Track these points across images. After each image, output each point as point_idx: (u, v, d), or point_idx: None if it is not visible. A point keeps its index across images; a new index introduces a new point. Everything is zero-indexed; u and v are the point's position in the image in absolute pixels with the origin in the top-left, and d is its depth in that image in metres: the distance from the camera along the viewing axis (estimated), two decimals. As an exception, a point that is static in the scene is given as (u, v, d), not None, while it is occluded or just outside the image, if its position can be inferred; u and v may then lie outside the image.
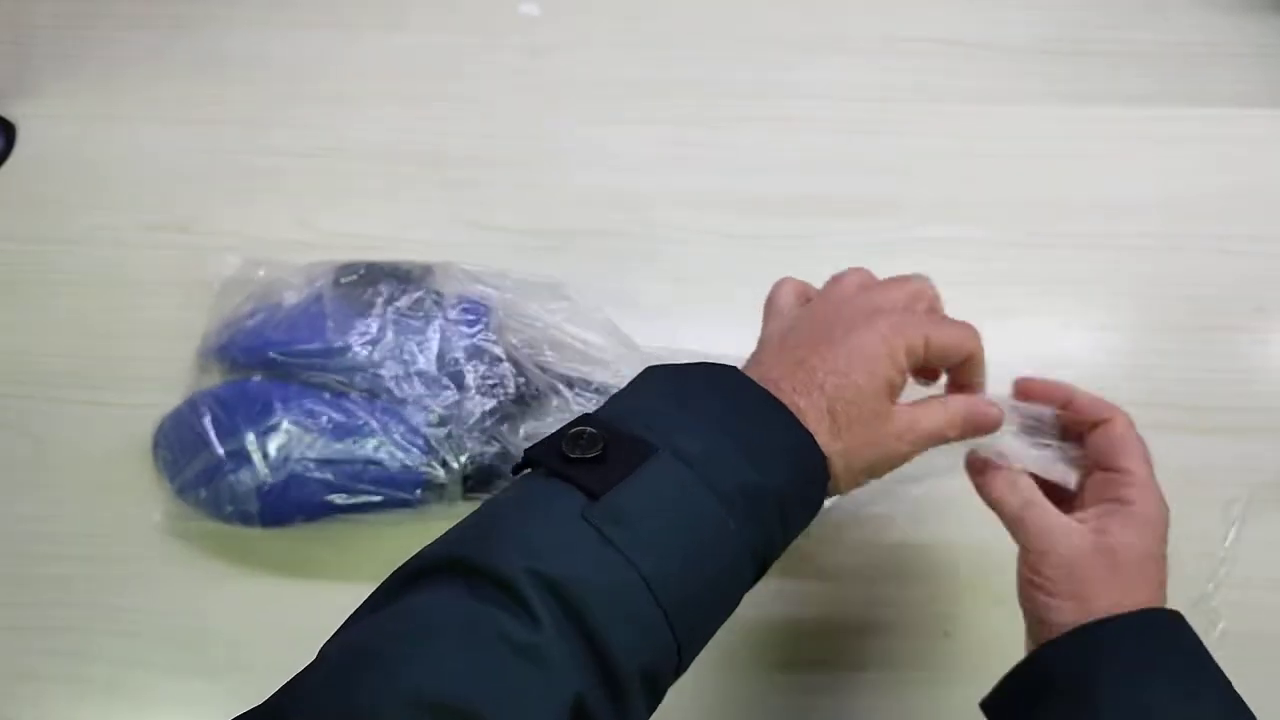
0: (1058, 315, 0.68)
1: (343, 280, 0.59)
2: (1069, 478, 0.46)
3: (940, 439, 0.44)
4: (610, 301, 0.65)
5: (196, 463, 0.55)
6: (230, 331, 0.60)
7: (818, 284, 0.48)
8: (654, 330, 0.66)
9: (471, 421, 0.55)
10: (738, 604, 0.38)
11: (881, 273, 0.68)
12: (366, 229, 0.68)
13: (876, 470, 0.42)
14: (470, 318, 0.58)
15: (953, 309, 0.67)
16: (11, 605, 0.58)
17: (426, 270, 0.60)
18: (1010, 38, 0.75)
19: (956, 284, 0.68)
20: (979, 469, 0.46)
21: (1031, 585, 0.42)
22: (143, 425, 0.63)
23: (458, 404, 0.55)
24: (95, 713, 0.56)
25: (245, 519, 0.54)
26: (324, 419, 0.55)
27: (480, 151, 0.71)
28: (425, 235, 0.68)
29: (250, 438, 0.54)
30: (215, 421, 0.55)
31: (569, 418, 0.39)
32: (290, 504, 0.54)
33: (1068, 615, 0.41)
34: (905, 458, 0.43)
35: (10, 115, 0.72)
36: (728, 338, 0.66)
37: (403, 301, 0.58)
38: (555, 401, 0.56)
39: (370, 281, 0.59)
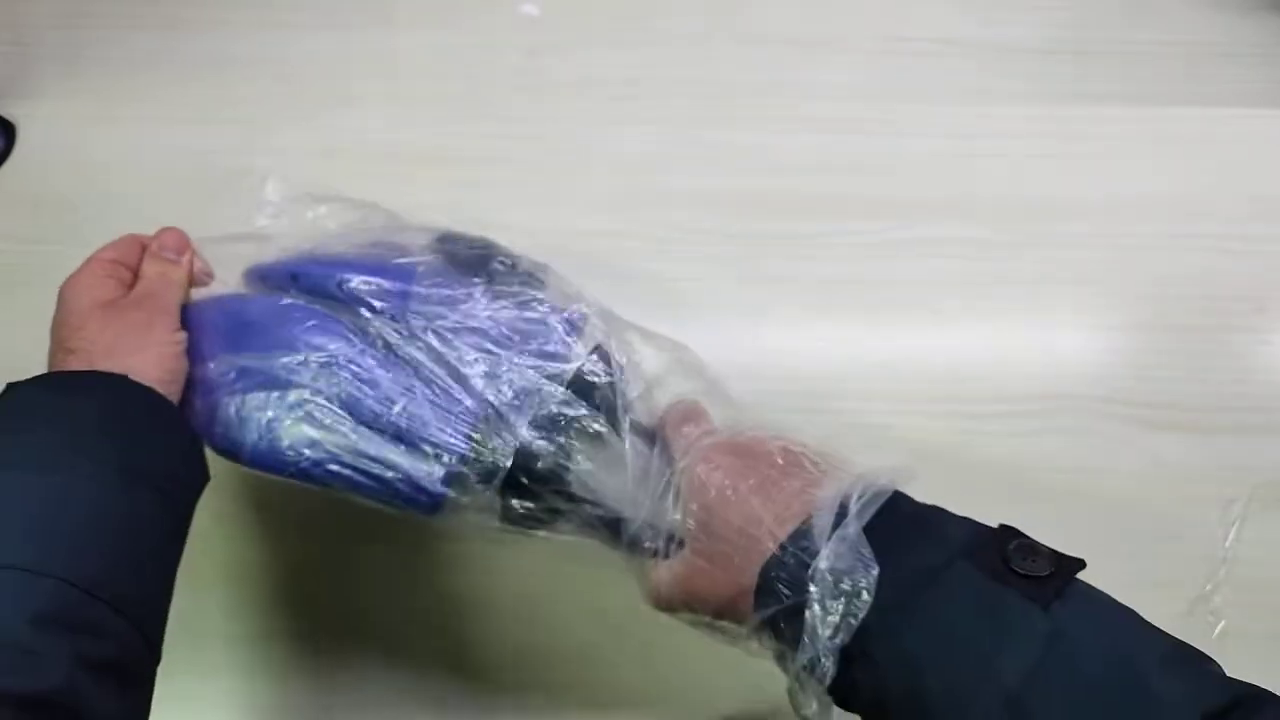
0: (1057, 315, 0.68)
1: (445, 246, 0.52)
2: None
3: None
4: (611, 301, 0.66)
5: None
6: (291, 254, 0.51)
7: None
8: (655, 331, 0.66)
9: (543, 409, 0.47)
10: None
11: (881, 273, 0.68)
12: (366, 229, 0.68)
13: None
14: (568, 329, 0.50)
15: (952, 309, 0.68)
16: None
17: (540, 268, 0.53)
18: (1010, 38, 0.75)
19: (956, 284, 0.68)
20: None
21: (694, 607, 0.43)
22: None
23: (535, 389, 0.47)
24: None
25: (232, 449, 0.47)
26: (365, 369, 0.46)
27: (480, 151, 0.71)
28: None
29: (281, 360, 0.46)
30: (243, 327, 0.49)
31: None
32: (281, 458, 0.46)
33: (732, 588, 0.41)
34: None
35: (10, 115, 0.72)
36: (729, 337, 0.67)
37: (502, 288, 0.50)
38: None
39: (475, 256, 0.51)
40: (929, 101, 0.73)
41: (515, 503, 0.47)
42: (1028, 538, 0.38)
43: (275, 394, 0.46)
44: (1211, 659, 0.35)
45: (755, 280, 0.68)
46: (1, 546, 0.37)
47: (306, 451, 0.45)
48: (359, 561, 0.60)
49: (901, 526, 0.39)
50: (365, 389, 0.46)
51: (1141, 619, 0.36)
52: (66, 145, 0.72)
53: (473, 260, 0.51)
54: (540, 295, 0.50)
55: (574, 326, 0.49)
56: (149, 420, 0.44)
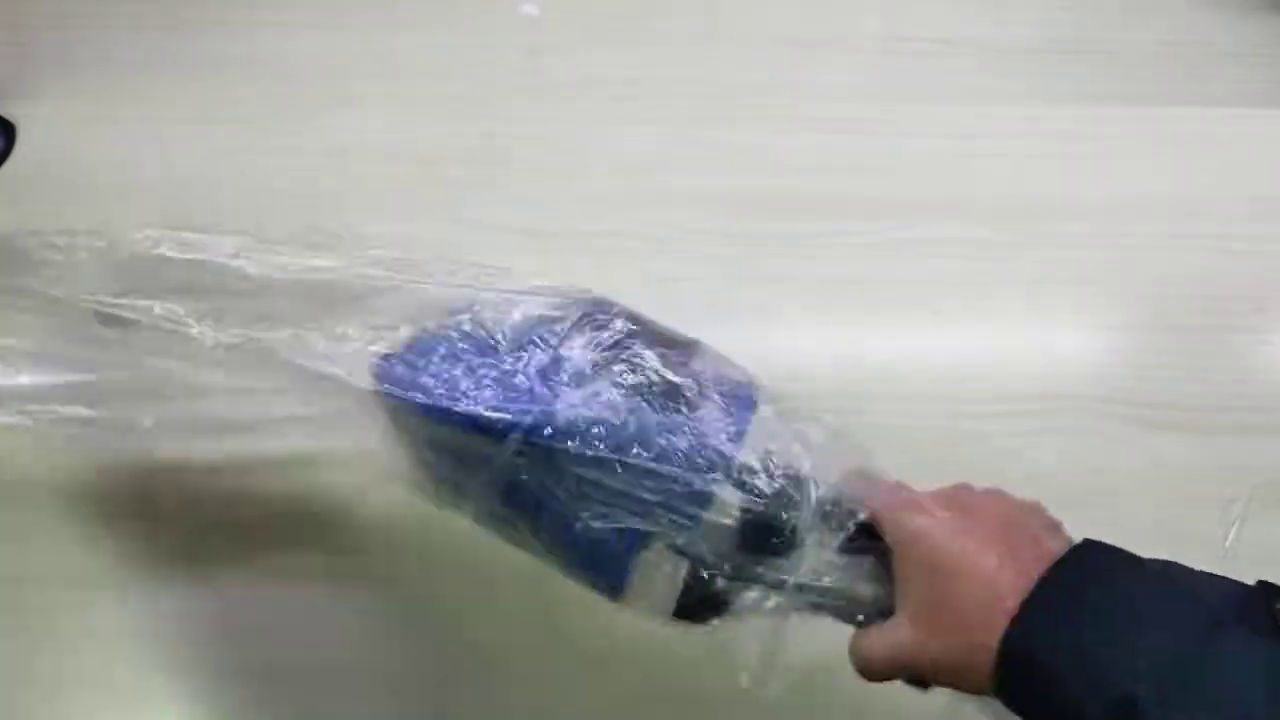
0: (1057, 315, 0.68)
1: (587, 328, 0.46)
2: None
3: None
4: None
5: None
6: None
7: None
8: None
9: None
10: None
11: (881, 273, 0.68)
12: (366, 229, 0.68)
13: None
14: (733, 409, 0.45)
15: (952, 309, 0.68)
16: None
17: (691, 345, 0.48)
18: (1010, 38, 0.75)
19: (956, 284, 0.68)
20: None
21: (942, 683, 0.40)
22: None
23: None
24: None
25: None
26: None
27: (480, 151, 0.71)
28: (425, 235, 0.68)
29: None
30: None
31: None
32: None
33: (975, 681, 0.38)
34: None
35: (10, 115, 0.72)
36: (728, 337, 0.66)
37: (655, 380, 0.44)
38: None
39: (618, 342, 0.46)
40: (929, 102, 0.73)
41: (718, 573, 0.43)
42: None
43: None
44: None
45: (755, 280, 0.68)
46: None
47: None
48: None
49: (1146, 585, 0.37)
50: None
51: None
52: (66, 145, 0.72)
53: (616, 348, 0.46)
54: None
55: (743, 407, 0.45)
56: None
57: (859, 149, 0.72)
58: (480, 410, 0.43)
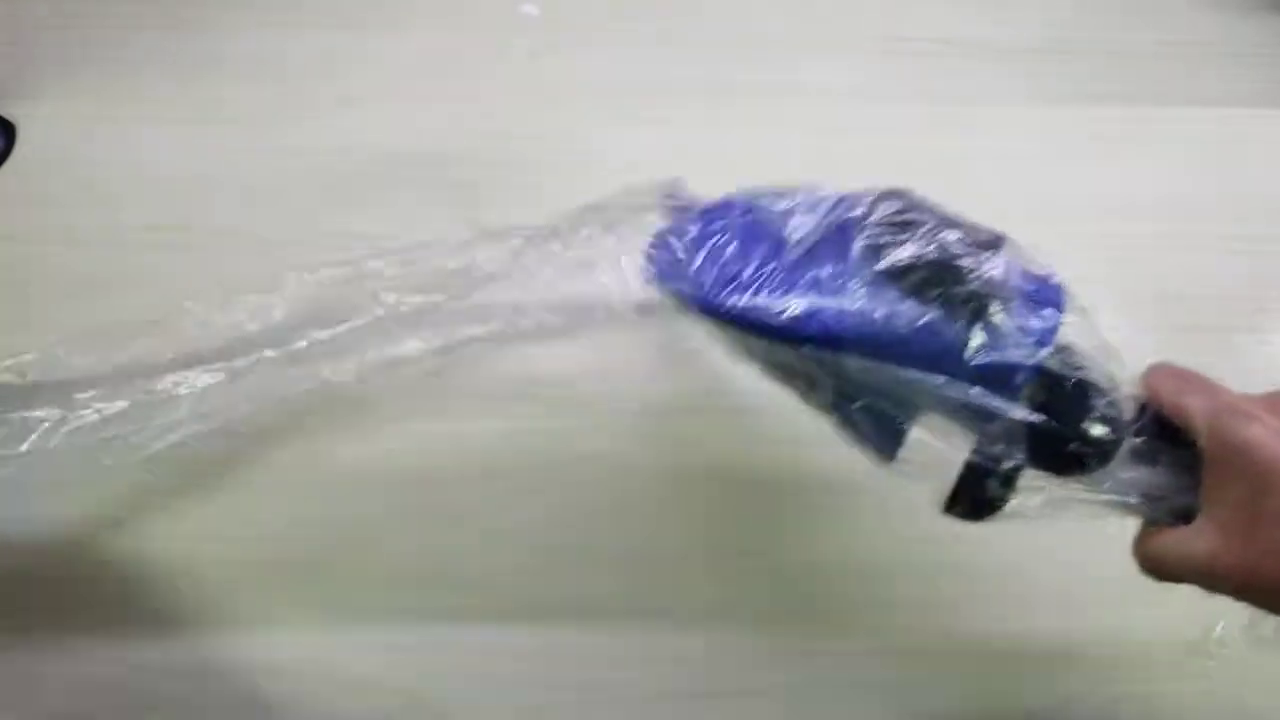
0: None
1: (875, 219, 0.43)
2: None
3: None
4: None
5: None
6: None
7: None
8: (655, 331, 0.66)
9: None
10: None
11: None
12: (367, 229, 0.68)
13: None
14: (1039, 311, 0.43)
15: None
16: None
17: (998, 240, 0.45)
18: (1009, 38, 0.75)
19: (957, 284, 0.68)
20: None
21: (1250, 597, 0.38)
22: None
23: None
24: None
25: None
26: None
27: (481, 152, 0.71)
28: (426, 235, 0.68)
29: None
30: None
31: None
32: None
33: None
34: None
35: (10, 115, 0.72)
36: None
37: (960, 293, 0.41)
38: None
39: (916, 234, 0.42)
40: (929, 102, 0.73)
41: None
42: None
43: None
44: None
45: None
46: None
47: None
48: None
49: None
50: None
51: None
52: (66, 145, 0.72)
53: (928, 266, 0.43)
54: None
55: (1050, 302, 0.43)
56: None
57: (859, 149, 0.72)
58: (770, 314, 0.40)
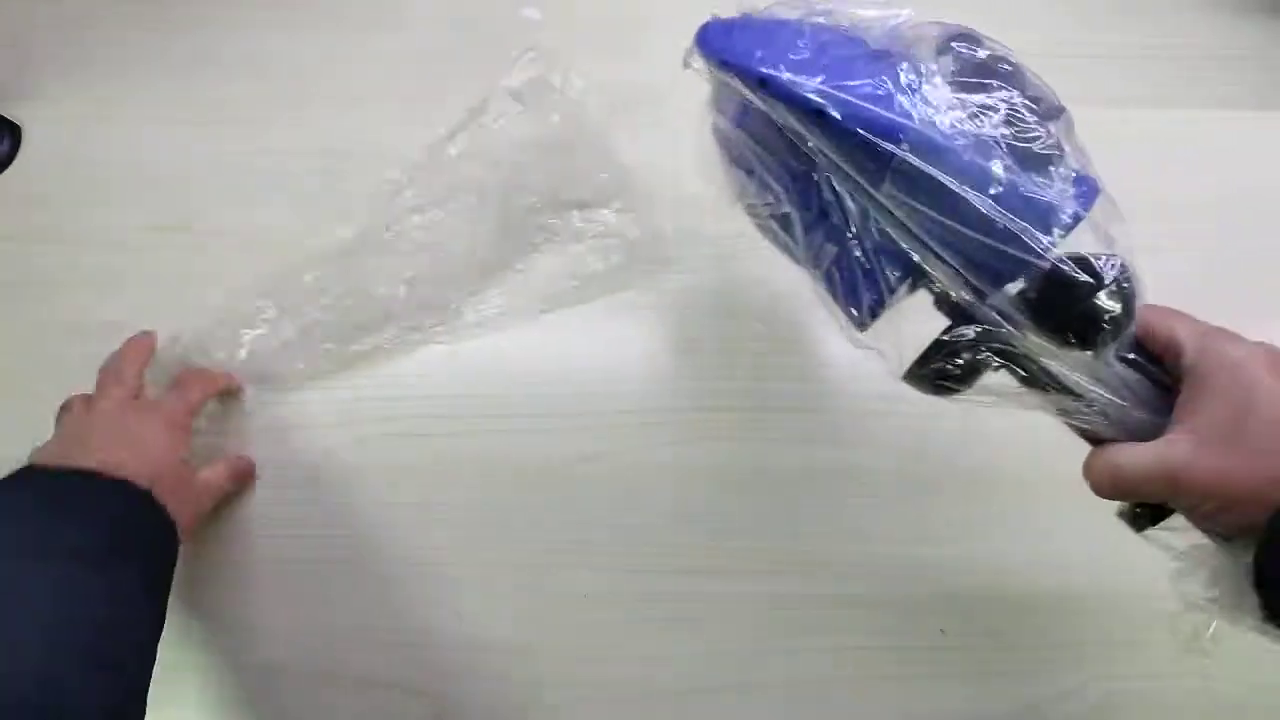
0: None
1: (949, 56, 0.43)
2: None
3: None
4: (611, 301, 0.66)
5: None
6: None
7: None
8: (657, 331, 0.66)
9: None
10: None
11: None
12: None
13: None
14: (1083, 186, 0.43)
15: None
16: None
17: (1058, 110, 0.46)
18: (1007, 41, 0.75)
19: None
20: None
21: (1200, 517, 0.40)
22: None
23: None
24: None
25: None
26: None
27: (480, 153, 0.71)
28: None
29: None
30: None
31: None
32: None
33: (1248, 513, 0.37)
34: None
35: (15, 117, 0.72)
36: (730, 336, 0.67)
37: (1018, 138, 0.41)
38: None
39: (988, 78, 0.44)
40: (927, 102, 0.73)
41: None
42: None
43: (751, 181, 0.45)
44: None
45: (755, 280, 0.68)
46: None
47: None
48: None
49: None
50: None
51: None
52: (71, 146, 0.72)
53: (988, 82, 0.43)
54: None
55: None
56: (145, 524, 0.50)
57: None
58: (859, 107, 0.39)
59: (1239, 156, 0.72)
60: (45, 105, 0.73)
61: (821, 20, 0.43)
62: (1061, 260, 0.39)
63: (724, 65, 0.42)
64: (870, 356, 0.44)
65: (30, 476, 0.49)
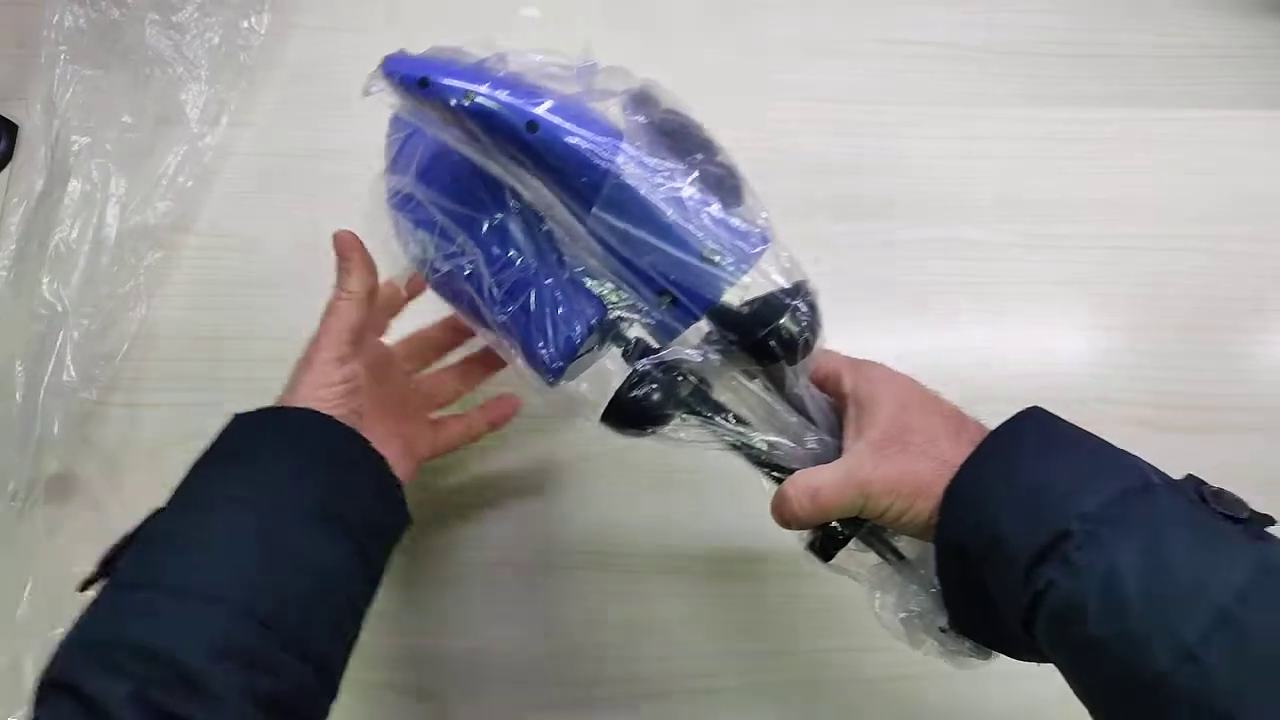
0: (1055, 316, 0.68)
1: (638, 110, 0.44)
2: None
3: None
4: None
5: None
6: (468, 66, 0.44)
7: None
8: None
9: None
10: None
11: (881, 273, 0.69)
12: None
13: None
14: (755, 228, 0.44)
15: (951, 309, 0.68)
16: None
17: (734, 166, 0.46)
18: (1007, 41, 0.75)
19: (954, 285, 0.69)
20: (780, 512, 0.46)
21: (888, 522, 0.44)
22: (153, 426, 0.64)
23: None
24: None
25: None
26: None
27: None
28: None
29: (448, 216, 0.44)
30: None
31: None
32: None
33: (924, 506, 0.42)
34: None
35: (13, 117, 0.72)
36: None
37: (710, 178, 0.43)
38: None
39: (679, 130, 0.45)
40: (928, 104, 0.73)
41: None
42: (1217, 486, 0.39)
43: (435, 240, 0.45)
44: None
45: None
46: (195, 574, 0.38)
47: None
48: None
49: (1088, 445, 0.41)
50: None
51: None
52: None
53: (673, 134, 0.45)
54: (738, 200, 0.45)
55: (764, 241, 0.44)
56: (353, 464, 0.45)
57: (859, 150, 0.72)
58: (565, 133, 0.40)
59: (1240, 156, 0.72)
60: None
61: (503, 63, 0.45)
62: (751, 284, 0.42)
63: (422, 86, 0.41)
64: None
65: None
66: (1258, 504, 0.38)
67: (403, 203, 0.47)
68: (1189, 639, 0.33)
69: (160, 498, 0.42)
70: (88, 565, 0.41)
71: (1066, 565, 0.36)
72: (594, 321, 0.43)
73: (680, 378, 0.44)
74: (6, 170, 0.71)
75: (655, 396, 0.44)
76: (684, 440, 0.45)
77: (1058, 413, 0.43)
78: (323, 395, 0.46)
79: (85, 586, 0.40)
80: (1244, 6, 0.77)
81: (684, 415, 0.45)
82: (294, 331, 0.48)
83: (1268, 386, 0.66)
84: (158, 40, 0.71)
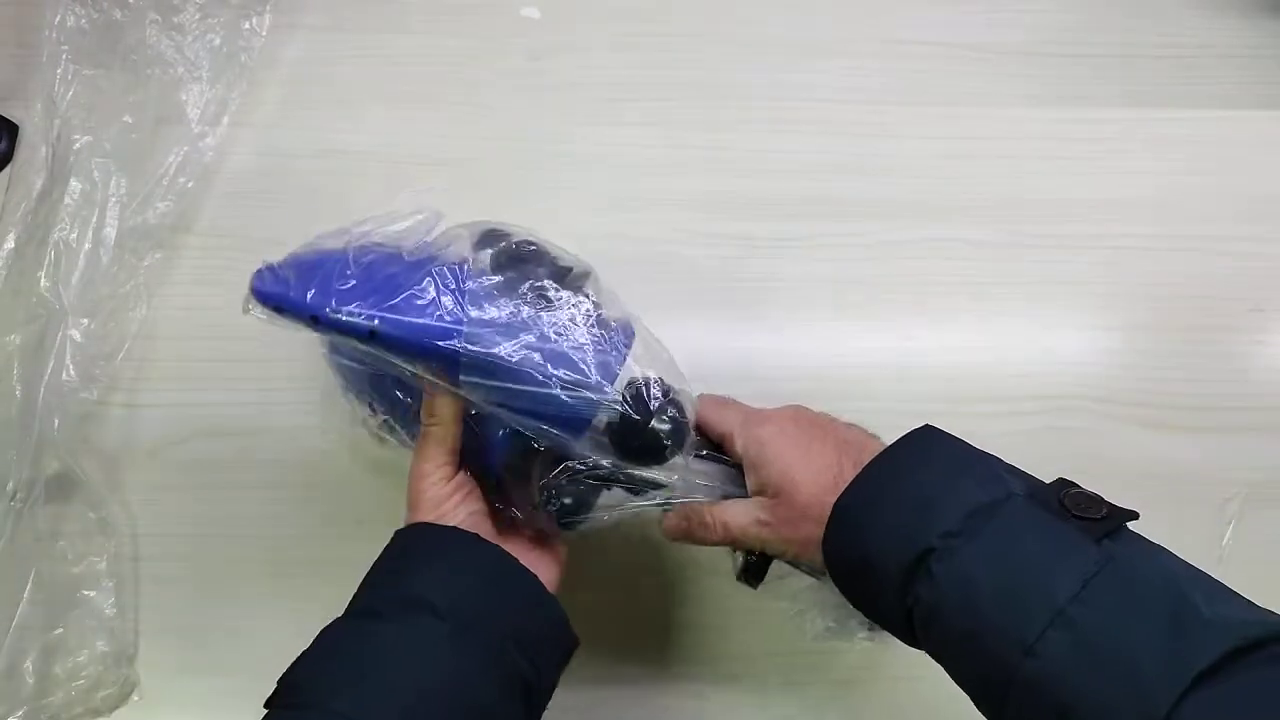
0: (1054, 316, 0.68)
1: (485, 251, 0.48)
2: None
3: None
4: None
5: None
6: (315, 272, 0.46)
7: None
8: (655, 332, 0.66)
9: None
10: None
11: (881, 273, 0.69)
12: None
13: None
14: (618, 335, 0.48)
15: (952, 309, 0.68)
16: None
17: (585, 275, 0.50)
18: (1007, 41, 0.75)
19: (954, 285, 0.69)
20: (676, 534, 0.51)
21: (789, 560, 0.49)
22: (153, 426, 0.64)
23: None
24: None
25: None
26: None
27: (480, 152, 0.71)
28: (426, 236, 0.68)
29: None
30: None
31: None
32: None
33: (815, 552, 0.45)
34: None
35: (14, 118, 0.72)
36: (727, 337, 0.67)
37: (557, 307, 0.47)
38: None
39: (520, 263, 0.48)
40: (928, 103, 0.73)
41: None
42: (1082, 488, 0.42)
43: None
44: (1255, 603, 0.37)
45: (755, 281, 0.68)
46: (343, 692, 0.40)
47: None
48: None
49: (961, 462, 0.44)
50: None
51: (1188, 562, 0.39)
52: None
53: (521, 266, 0.48)
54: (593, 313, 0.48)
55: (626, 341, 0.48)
56: (521, 593, 0.47)
57: (859, 150, 0.72)
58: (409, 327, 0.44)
59: (1240, 157, 0.72)
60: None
61: (363, 242, 0.47)
62: (616, 403, 0.46)
63: (279, 311, 0.45)
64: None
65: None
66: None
67: (334, 368, 0.53)
68: (1029, 637, 0.36)
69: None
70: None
71: (930, 579, 0.40)
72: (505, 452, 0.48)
73: (583, 476, 0.48)
74: (7, 170, 0.71)
75: (565, 499, 0.49)
76: (605, 520, 0.50)
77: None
78: (444, 511, 0.47)
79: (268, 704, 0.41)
80: (1244, 6, 0.77)
81: (599, 509, 0.50)
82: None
83: (1268, 386, 0.66)
84: (159, 40, 0.71)
